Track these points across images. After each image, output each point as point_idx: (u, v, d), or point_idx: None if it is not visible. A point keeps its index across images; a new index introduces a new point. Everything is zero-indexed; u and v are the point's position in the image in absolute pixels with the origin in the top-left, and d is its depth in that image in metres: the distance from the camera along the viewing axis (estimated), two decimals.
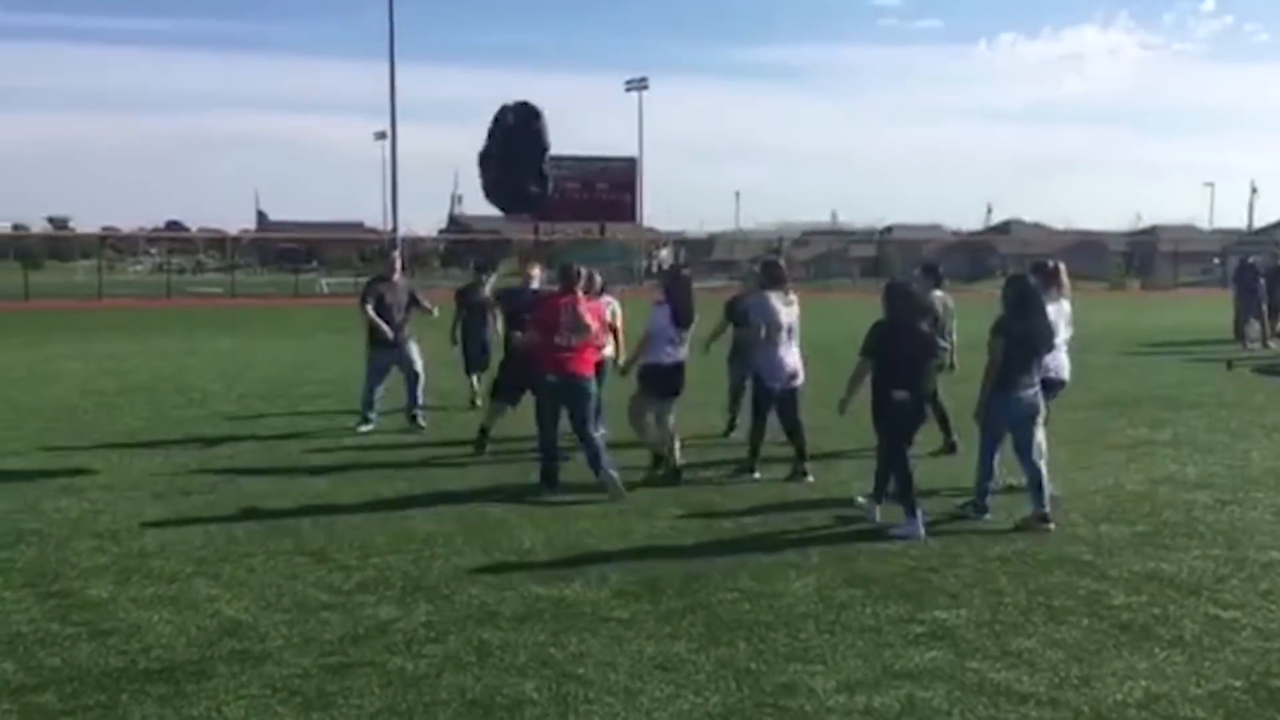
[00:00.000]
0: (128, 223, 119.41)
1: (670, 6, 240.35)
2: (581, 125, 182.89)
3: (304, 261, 71.01)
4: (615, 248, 59.15)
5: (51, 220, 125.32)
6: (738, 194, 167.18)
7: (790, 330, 8.98)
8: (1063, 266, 8.89)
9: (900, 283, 8.30)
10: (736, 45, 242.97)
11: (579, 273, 8.96)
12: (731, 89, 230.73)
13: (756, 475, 9.09)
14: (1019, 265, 67.19)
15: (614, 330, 9.78)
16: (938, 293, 10.06)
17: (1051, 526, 7.49)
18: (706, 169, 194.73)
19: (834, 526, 7.63)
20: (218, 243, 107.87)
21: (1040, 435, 7.74)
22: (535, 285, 10.56)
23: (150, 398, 13.73)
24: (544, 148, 12.39)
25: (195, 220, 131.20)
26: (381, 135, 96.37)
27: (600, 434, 9.01)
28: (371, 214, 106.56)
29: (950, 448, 9.94)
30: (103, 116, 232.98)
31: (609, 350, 9.66)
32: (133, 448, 10.26)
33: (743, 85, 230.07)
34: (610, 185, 57.13)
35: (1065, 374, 8.53)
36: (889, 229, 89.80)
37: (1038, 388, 7.69)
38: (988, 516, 7.78)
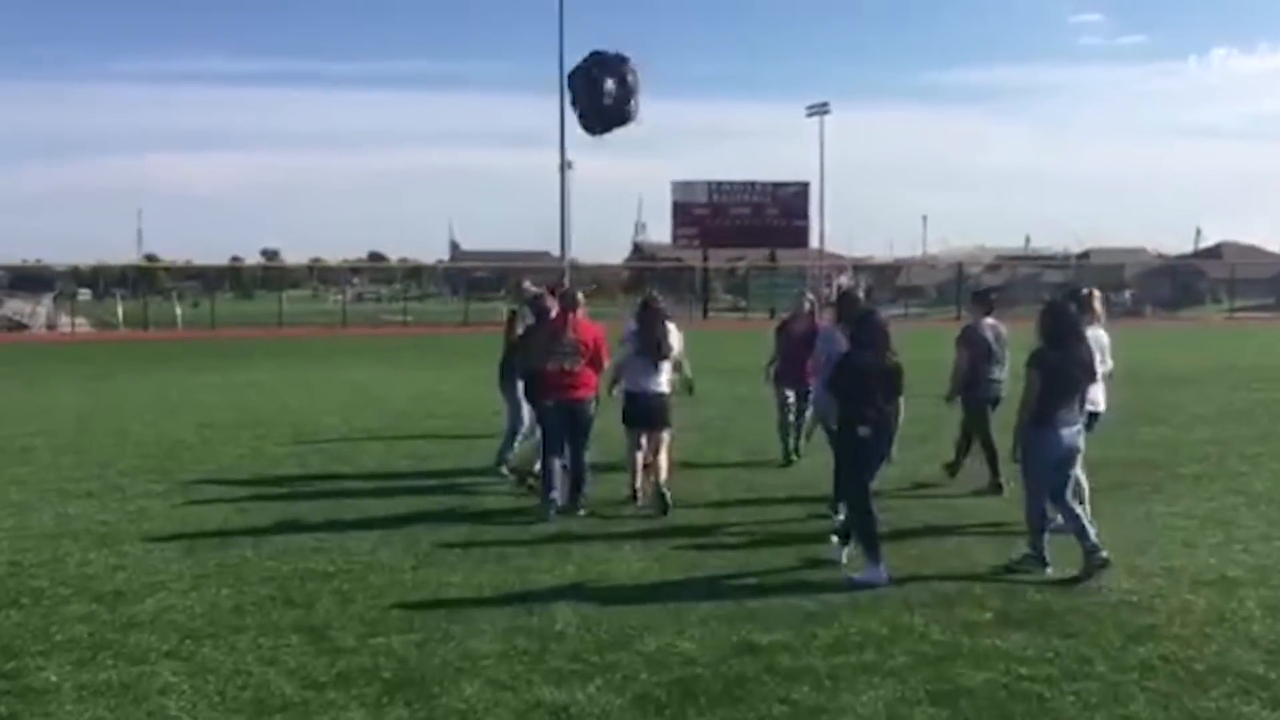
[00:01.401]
0: (333, 254, 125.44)
1: (854, 33, 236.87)
2: (764, 152, 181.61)
3: (493, 289, 72.46)
4: (790, 274, 57.66)
5: (264, 253, 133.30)
6: (924, 218, 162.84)
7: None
8: (1098, 294, 8.50)
9: (869, 311, 7.74)
10: (924, 69, 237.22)
11: (575, 296, 9.02)
12: (919, 113, 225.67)
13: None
14: (1230, 290, 62.43)
15: None
16: (989, 320, 9.70)
17: (1105, 554, 6.82)
18: (893, 193, 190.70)
19: (929, 609, 6.26)
20: (414, 272, 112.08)
21: (1081, 476, 7.55)
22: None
23: (260, 432, 13.41)
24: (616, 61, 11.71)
25: (394, 251, 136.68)
26: (568, 165, 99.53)
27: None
28: (556, 242, 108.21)
29: (995, 487, 9.41)
30: (313, 154, 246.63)
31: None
32: (209, 487, 9.83)
33: (931, 109, 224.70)
34: (782, 211, 55.78)
35: (1101, 405, 8.17)
36: (1086, 253, 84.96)
37: (1079, 426, 7.10)
38: (1049, 570, 6.96)
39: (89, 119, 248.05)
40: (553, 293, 9.46)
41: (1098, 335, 8.16)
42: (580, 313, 9.03)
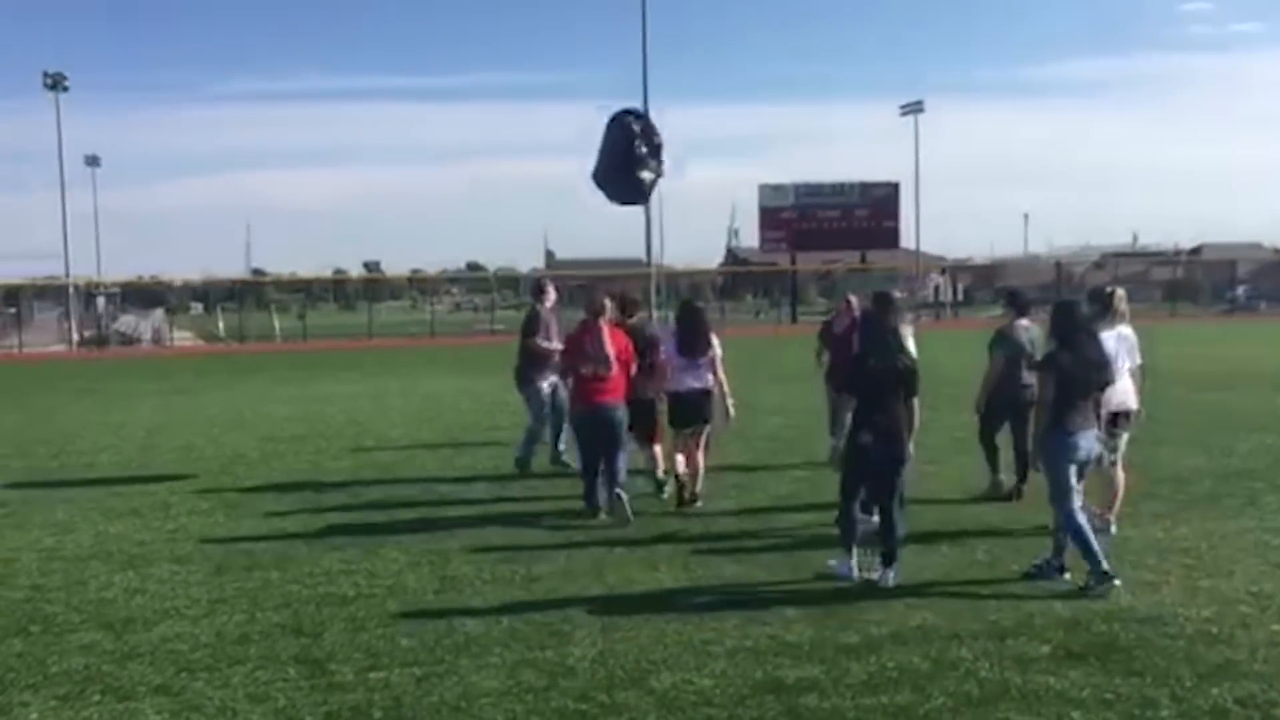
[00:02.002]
0: (433, 264, 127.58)
1: (949, 29, 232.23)
2: (857, 153, 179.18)
3: (586, 297, 72.73)
4: (881, 277, 56.47)
5: (366, 265, 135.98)
6: (1026, 216, 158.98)
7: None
8: (1120, 292, 8.21)
9: (873, 313, 7.43)
10: (1021, 64, 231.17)
11: (603, 302, 8.88)
12: (1019, 108, 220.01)
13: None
14: None
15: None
16: (1024, 322, 9.25)
17: (1118, 583, 6.49)
18: (993, 192, 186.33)
19: (980, 640, 5.69)
20: (510, 281, 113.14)
21: (1119, 476, 7.83)
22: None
23: (321, 445, 13.32)
24: (633, 139, 11.43)
25: (493, 261, 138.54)
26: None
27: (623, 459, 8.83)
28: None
29: (1017, 493, 9.05)
30: (414, 167, 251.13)
31: None
32: (256, 503, 9.69)
33: (1031, 104, 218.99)
34: (871, 211, 54.58)
35: (1132, 402, 7.97)
36: (1198, 249, 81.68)
37: (1094, 430, 6.83)
38: (1067, 575, 6.74)
39: (201, 139, 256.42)
40: (613, 299, 9.50)
41: (1122, 333, 8.00)
42: (606, 319, 8.92)
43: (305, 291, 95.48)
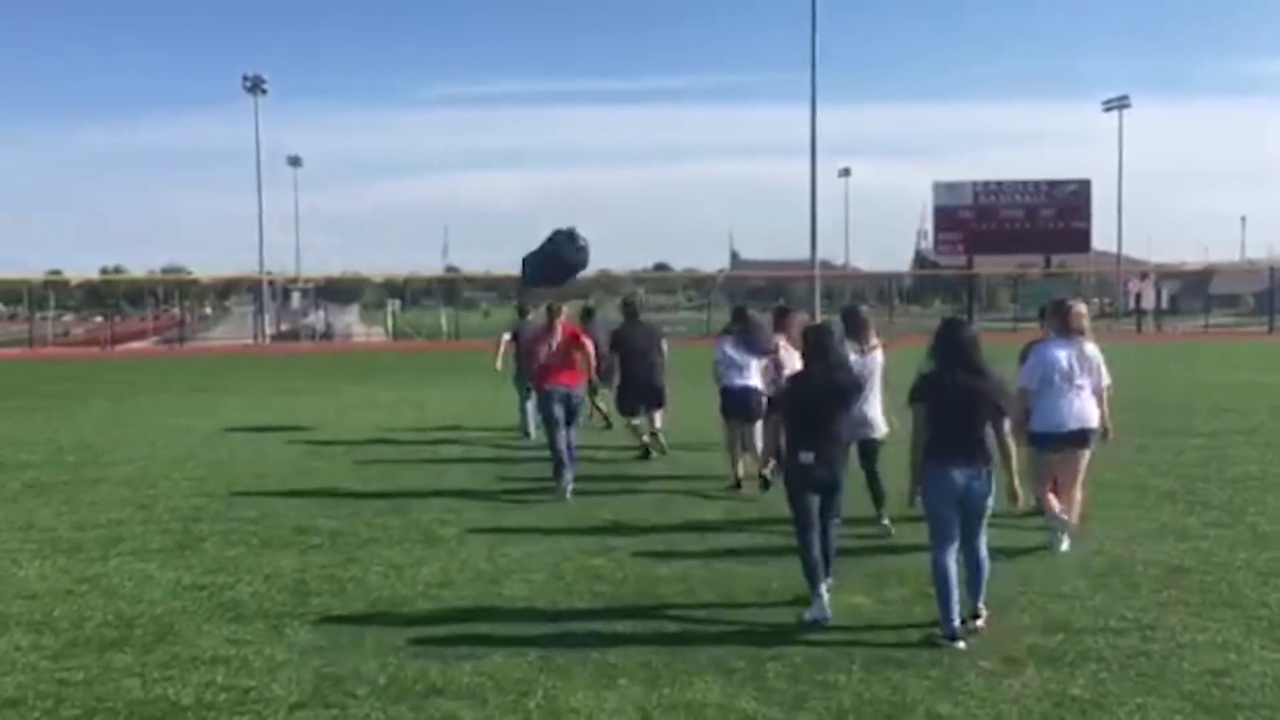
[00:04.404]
0: (620, 265, 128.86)
1: (1156, 22, 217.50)
2: (1049, 154, 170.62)
3: (771, 299, 71.46)
4: (1066, 281, 53.01)
5: None
6: (1243, 219, 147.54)
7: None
8: (1080, 306, 7.95)
9: (816, 327, 6.98)
10: (1237, 57, 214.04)
11: (558, 310, 10.64)
12: (1233, 106, 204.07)
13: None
14: None
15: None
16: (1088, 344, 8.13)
17: (961, 645, 5.62)
18: (1205, 194, 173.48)
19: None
20: (696, 282, 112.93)
21: (1076, 493, 7.81)
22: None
23: (396, 451, 12.88)
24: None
25: (679, 261, 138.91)
26: (845, 172, 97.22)
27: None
28: (836, 250, 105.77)
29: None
30: (604, 169, 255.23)
31: None
32: (297, 509, 9.15)
33: (1247, 101, 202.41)
34: (1059, 212, 51.19)
35: (1093, 421, 7.74)
36: None
37: (981, 467, 5.86)
38: (960, 645, 5.66)
39: (402, 142, 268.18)
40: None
41: (1088, 351, 7.75)
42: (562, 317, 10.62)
43: (495, 290, 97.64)
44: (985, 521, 6.01)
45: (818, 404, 6.41)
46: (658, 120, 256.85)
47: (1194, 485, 10.10)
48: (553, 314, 10.58)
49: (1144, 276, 67.26)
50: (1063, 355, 7.58)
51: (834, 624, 6.08)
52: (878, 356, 8.62)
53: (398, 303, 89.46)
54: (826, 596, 6.19)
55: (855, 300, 15.90)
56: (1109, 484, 10.06)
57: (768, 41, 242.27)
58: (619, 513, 9.16)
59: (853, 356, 8.02)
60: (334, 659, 5.63)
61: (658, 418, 12.29)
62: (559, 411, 10.17)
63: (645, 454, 12.01)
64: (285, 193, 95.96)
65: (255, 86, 55.14)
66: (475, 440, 13.90)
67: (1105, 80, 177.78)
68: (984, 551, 6.03)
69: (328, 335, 55.36)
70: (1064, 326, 7.75)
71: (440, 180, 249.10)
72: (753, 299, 75.70)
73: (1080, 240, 52.01)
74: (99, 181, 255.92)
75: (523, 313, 14.75)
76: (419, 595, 6.83)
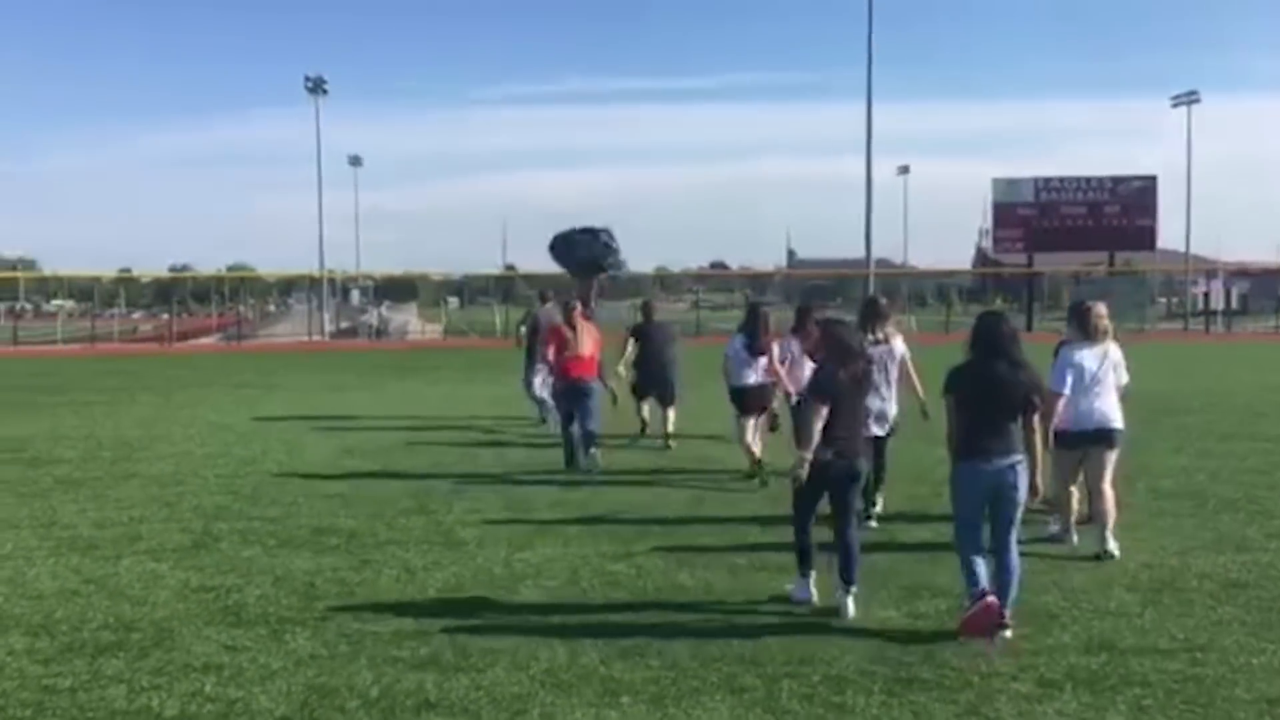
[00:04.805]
0: (677, 264, 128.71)
1: (1226, 17, 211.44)
2: (1113, 151, 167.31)
3: (828, 298, 70.56)
4: (1131, 280, 51.71)
5: None
6: None
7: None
8: (1100, 308, 7.71)
9: (828, 320, 7.03)
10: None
11: (574, 306, 11.55)
12: None
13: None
14: None
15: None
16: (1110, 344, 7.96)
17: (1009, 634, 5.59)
18: (1277, 191, 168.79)
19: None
20: (753, 280, 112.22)
21: (1108, 494, 7.44)
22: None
23: (428, 449, 12.65)
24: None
25: (737, 259, 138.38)
26: (904, 170, 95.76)
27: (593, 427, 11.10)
28: (894, 249, 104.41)
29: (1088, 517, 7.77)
30: (661, 167, 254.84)
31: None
32: (320, 508, 8.97)
33: None
34: (1123, 209, 49.87)
35: (1117, 422, 7.57)
36: None
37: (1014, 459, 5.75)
38: (990, 599, 5.66)
39: (461, 141, 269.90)
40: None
41: (1106, 350, 7.63)
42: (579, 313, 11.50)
43: (553, 288, 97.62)
44: (1017, 521, 5.84)
45: (840, 397, 6.26)
46: (715, 118, 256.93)
47: (1256, 493, 9.56)
48: (569, 308, 11.35)
49: (1212, 275, 65.58)
50: (1086, 356, 7.50)
51: (860, 640, 5.73)
52: (896, 347, 8.62)
53: (455, 300, 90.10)
54: (813, 576, 6.37)
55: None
56: (1166, 491, 9.60)
57: (827, 39, 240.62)
58: (647, 512, 8.89)
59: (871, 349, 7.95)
60: (329, 668, 5.40)
61: (670, 417, 12.70)
62: (574, 403, 10.95)
63: (641, 432, 13.06)
64: (347, 192, 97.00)
65: (317, 88, 55.58)
66: (510, 437, 13.72)
67: (1162, 77, 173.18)
68: (1015, 556, 5.86)
69: (384, 332, 55.68)
70: (1084, 328, 7.64)
71: (499, 179, 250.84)
72: (812, 296, 74.95)
73: (1146, 238, 50.64)
74: (169, 182, 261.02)
75: (544, 299, 15.07)
76: (429, 601, 6.58)
